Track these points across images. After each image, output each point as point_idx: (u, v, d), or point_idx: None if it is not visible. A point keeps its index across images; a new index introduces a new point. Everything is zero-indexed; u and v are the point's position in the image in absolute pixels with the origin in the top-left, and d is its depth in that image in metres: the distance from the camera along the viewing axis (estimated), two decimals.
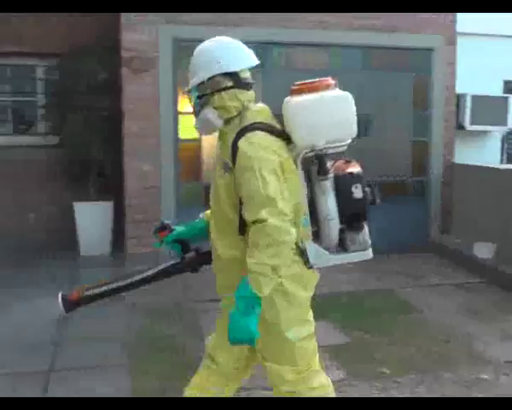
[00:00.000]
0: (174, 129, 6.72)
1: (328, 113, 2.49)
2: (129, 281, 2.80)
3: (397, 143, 7.47)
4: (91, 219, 7.04)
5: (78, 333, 4.70)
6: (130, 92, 6.56)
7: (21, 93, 8.17)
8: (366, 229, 2.60)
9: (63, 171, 7.40)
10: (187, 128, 6.59)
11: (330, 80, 2.56)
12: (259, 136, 2.40)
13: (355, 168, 2.58)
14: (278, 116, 2.54)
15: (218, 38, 2.58)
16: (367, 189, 2.55)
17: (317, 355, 2.65)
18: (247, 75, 2.54)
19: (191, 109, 2.61)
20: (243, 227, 2.41)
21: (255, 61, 2.55)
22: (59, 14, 7.18)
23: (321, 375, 2.64)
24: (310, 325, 2.60)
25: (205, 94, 2.50)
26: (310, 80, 2.55)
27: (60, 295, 2.74)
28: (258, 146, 2.36)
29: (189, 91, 2.58)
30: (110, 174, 7.05)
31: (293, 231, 2.33)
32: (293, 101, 2.52)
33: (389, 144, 7.34)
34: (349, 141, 2.58)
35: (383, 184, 6.89)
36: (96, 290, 2.79)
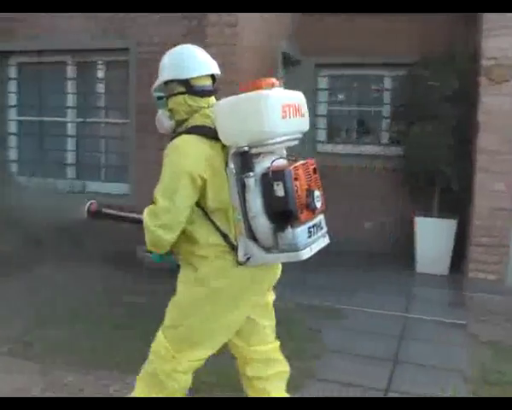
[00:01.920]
0: None
1: (243, 114, 2.48)
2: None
3: None
4: (432, 236, 6.69)
5: (416, 355, 4.47)
6: (487, 104, 6.04)
7: (366, 103, 8.25)
8: (298, 229, 2.47)
9: (405, 182, 7.22)
10: None
11: (272, 80, 2.55)
12: (183, 139, 2.60)
13: (282, 167, 2.50)
14: None
15: (183, 45, 2.82)
16: (293, 188, 2.43)
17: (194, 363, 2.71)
18: (202, 83, 2.73)
19: None
20: None
21: (207, 71, 2.75)
22: (410, 25, 7.09)
23: (183, 374, 2.71)
24: (215, 325, 2.68)
25: (162, 96, 2.76)
26: (255, 80, 2.53)
27: (87, 204, 2.96)
28: (176, 149, 2.58)
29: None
30: (457, 190, 6.61)
31: (161, 232, 2.57)
32: (219, 102, 2.59)
33: None
34: (278, 140, 2.51)
35: None
36: (111, 212, 2.98)
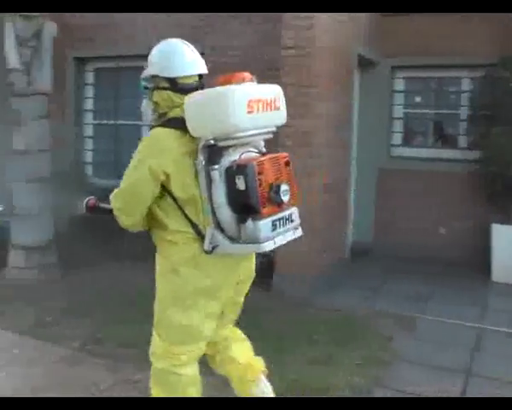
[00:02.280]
0: None
1: (209, 108, 2.56)
2: None
3: None
4: (509, 244, 6.49)
5: (490, 369, 4.34)
6: None
7: (443, 106, 8.07)
8: (260, 222, 2.53)
9: (483, 188, 7.04)
10: None
11: (244, 75, 2.66)
12: (157, 132, 2.71)
13: (246, 161, 2.57)
14: None
15: (172, 41, 2.90)
16: (254, 182, 2.49)
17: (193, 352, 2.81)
18: (188, 81, 2.79)
19: None
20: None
21: (194, 71, 2.82)
22: (489, 25, 6.93)
23: (182, 367, 2.81)
24: (193, 315, 2.73)
25: (148, 87, 2.83)
26: (227, 74, 2.64)
27: (85, 200, 3.08)
28: (148, 141, 2.72)
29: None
30: None
31: (121, 215, 2.79)
32: (189, 95, 2.65)
33: None
34: (243, 134, 2.58)
35: None
36: (106, 206, 2.94)
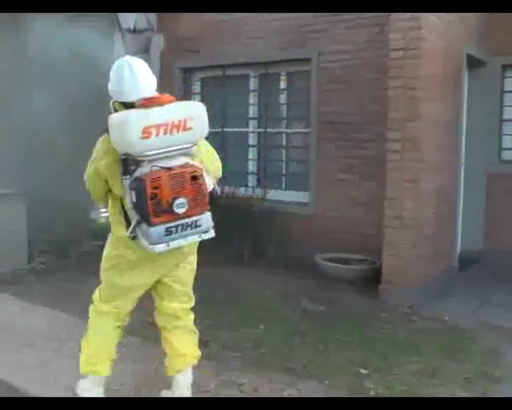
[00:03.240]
0: None
1: (112, 131, 2.99)
2: None
3: None
4: None
5: None
6: None
7: None
8: (151, 229, 2.94)
9: None
10: None
11: (163, 98, 3.04)
12: (102, 138, 3.16)
13: (141, 176, 2.93)
14: None
15: (128, 65, 3.14)
16: (142, 197, 2.89)
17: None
18: (137, 101, 3.06)
19: None
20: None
21: (144, 95, 3.06)
22: None
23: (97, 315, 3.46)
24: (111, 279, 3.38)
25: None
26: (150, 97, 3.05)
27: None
28: (97, 144, 3.20)
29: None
30: None
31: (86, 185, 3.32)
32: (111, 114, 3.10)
33: None
34: (143, 155, 2.93)
35: None
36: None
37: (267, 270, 6.74)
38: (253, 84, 8.10)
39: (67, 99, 7.05)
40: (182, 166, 3.00)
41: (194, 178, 2.99)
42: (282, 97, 7.95)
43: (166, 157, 2.99)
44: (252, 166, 8.17)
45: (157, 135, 2.91)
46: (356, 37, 6.82)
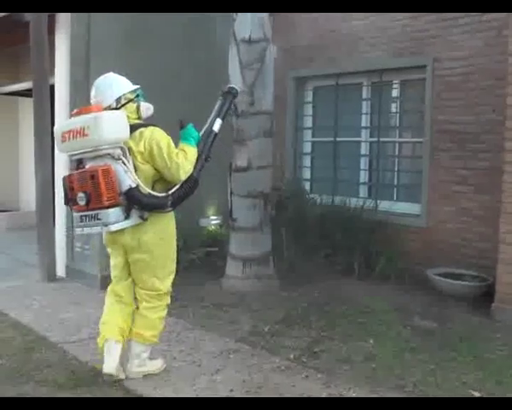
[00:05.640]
0: None
1: None
2: None
3: None
4: None
5: None
6: None
7: None
8: (74, 214, 3.82)
9: None
10: None
11: (90, 108, 3.75)
12: None
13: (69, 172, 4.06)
14: None
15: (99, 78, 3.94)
16: (65, 188, 3.85)
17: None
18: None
19: None
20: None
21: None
22: None
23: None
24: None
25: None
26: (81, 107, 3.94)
27: None
28: None
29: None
30: None
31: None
32: None
33: None
34: (68, 155, 4.01)
35: None
36: None
37: (377, 282, 6.61)
38: (365, 92, 7.99)
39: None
40: (90, 167, 3.69)
41: (92, 177, 3.59)
42: (395, 106, 7.77)
43: (91, 158, 3.72)
44: (363, 177, 8.04)
45: (69, 139, 3.70)
46: (472, 42, 6.54)
